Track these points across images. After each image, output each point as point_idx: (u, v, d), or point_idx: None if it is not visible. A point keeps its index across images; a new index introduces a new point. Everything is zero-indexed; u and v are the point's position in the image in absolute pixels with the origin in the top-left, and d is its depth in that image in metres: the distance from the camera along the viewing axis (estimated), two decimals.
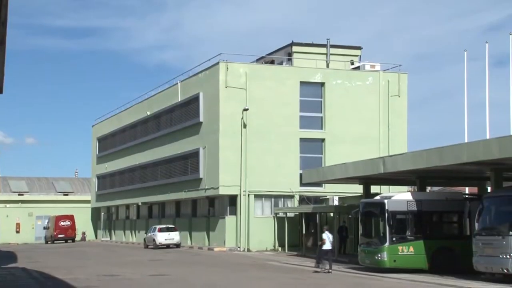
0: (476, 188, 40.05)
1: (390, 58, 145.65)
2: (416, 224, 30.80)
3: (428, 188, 37.48)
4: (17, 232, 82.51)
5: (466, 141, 36.73)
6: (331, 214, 46.73)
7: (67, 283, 26.51)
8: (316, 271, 31.98)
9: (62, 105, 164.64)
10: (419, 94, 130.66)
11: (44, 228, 79.76)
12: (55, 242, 74.37)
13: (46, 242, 76.05)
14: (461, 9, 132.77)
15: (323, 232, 34.27)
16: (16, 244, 72.87)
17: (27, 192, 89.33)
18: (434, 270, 29.73)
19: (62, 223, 75.89)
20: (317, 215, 47.80)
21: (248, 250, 51.26)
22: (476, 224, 27.64)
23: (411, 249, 30.49)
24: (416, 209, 30.88)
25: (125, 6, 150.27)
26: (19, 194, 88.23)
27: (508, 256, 25.29)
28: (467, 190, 44.80)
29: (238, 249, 52.01)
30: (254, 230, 52.60)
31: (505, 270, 25.43)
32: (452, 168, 30.80)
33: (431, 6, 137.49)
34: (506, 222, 26.07)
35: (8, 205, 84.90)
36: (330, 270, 31.70)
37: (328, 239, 32.61)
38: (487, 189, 34.68)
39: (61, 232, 75.29)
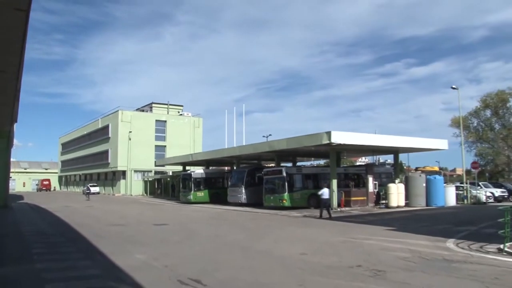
0: (230, 167, 40.06)
1: (197, 109, 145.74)
2: (205, 183, 29.75)
3: (211, 167, 36.62)
4: (24, 186, 74.79)
5: (226, 147, 36.44)
6: (168, 179, 44.34)
7: (45, 209, 24.80)
8: (86, 200, 34.41)
9: (46, 128, 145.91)
10: (209, 126, 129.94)
11: (36, 184, 71.83)
12: (41, 191, 65.56)
13: (37, 191, 66.88)
14: (228, 90, 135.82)
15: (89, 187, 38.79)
16: (23, 192, 63.88)
17: (28, 168, 79.32)
18: (212, 202, 29.06)
19: (44, 182, 67.93)
20: (162, 180, 45.33)
21: (131, 195, 47.75)
22: (229, 182, 27.50)
23: (202, 194, 29.53)
24: (205, 176, 29.92)
25: (78, 84, 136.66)
26: (24, 169, 78.03)
27: (240, 195, 25.52)
28: (226, 168, 44.79)
29: (126, 194, 48.27)
30: (133, 186, 49.27)
31: (240, 201, 25.52)
32: (221, 159, 30.49)
33: (215, 87, 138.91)
34: (240, 181, 25.98)
35: (19, 174, 75.08)
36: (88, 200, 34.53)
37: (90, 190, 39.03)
38: (234, 167, 34.61)
39: (44, 186, 67.01)
